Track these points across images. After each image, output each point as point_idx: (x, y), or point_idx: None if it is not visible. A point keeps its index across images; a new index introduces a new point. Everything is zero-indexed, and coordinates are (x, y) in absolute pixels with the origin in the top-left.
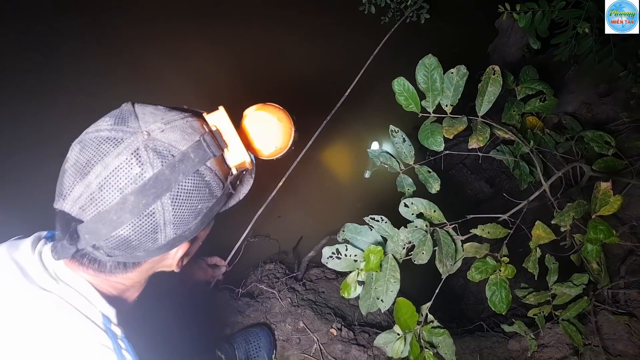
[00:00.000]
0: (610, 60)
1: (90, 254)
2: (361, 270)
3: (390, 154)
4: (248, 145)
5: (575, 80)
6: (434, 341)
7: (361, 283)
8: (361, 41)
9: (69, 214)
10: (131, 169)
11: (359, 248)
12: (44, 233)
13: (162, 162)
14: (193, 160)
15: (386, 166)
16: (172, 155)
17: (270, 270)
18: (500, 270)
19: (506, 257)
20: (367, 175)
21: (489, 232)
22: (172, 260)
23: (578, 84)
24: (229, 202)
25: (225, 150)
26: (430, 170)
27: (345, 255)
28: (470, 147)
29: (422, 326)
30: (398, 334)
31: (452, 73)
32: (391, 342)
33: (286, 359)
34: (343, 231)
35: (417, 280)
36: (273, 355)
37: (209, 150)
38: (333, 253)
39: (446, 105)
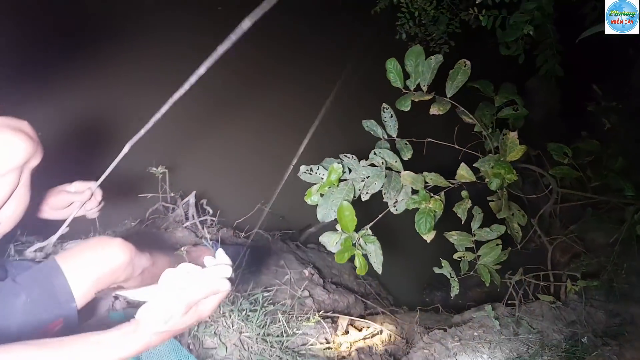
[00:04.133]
0: (553, 63)
1: None
2: (324, 184)
3: (376, 123)
4: None
5: None
6: (368, 249)
7: (322, 195)
8: None
9: None
10: None
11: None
12: None
13: None
14: None
15: (372, 132)
16: None
17: (273, 231)
18: (430, 202)
19: (439, 197)
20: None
21: (431, 179)
22: None
23: None
24: None
25: None
26: (407, 142)
27: (316, 173)
28: (431, 113)
29: (359, 232)
30: (338, 232)
31: (430, 59)
32: (332, 238)
33: (260, 280)
34: (322, 163)
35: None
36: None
37: None
38: (307, 169)
39: (424, 85)
